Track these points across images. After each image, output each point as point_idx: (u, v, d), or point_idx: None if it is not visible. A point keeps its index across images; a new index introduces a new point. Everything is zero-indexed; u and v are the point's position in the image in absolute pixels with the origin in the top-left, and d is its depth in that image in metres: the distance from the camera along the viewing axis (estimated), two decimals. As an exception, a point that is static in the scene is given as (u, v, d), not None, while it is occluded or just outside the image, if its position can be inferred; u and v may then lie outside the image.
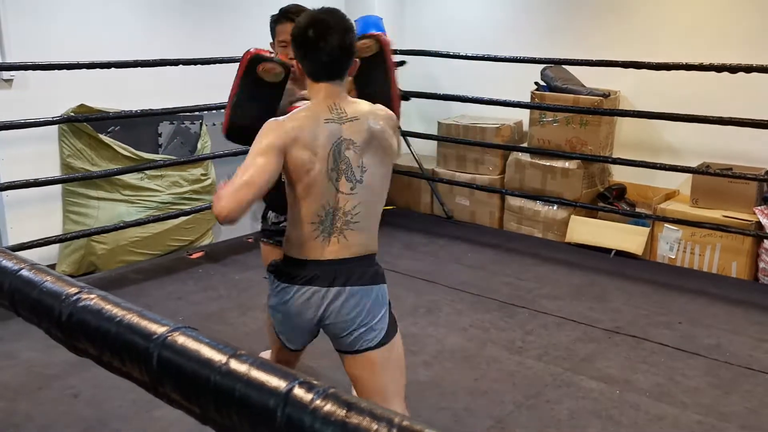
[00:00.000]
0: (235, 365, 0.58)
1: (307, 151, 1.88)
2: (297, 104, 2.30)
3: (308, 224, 1.94)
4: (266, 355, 3.39)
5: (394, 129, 2.02)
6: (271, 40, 2.59)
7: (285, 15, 2.47)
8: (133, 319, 0.63)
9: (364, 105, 2.01)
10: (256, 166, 1.83)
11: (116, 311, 0.64)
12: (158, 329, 0.62)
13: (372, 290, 2.00)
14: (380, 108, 2.03)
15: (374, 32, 2.42)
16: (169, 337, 0.61)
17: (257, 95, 2.32)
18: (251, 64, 2.29)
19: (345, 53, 1.94)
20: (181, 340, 0.61)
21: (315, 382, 0.56)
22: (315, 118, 1.92)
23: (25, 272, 0.78)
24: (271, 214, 2.69)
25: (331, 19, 1.94)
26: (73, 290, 0.67)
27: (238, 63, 2.32)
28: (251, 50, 2.31)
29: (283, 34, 2.41)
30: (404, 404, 2.12)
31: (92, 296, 0.66)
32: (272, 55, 2.39)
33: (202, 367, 0.58)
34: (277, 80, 2.30)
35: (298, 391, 0.55)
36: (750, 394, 3.03)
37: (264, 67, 2.28)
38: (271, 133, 1.88)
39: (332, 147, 1.90)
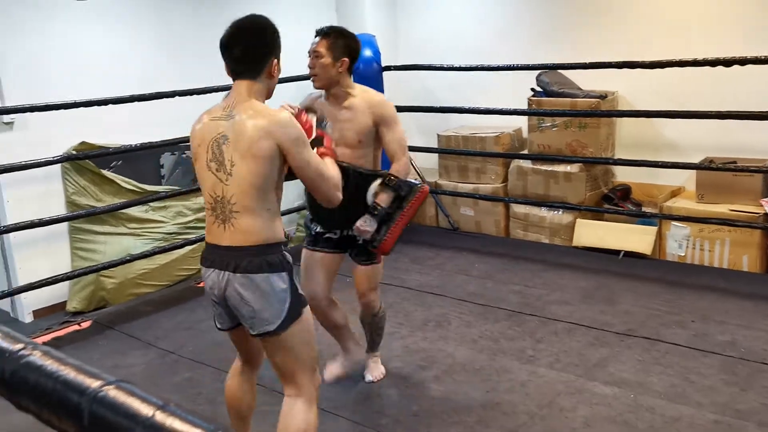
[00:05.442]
0: (160, 417, 0.58)
1: (194, 144, 2.15)
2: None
3: (207, 210, 2.15)
4: (332, 368, 3.25)
5: (282, 137, 2.04)
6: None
7: (317, 32, 2.86)
8: (70, 374, 0.63)
9: (256, 108, 2.09)
10: None
11: (55, 366, 0.64)
12: (92, 383, 0.62)
13: (257, 279, 2.07)
14: (275, 115, 2.08)
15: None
16: (100, 393, 0.61)
17: None
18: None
19: (250, 54, 2.13)
20: (113, 394, 0.61)
21: (233, 432, 0.56)
22: (210, 114, 2.16)
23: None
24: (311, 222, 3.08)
25: (247, 25, 2.16)
26: (18, 347, 0.68)
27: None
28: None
29: (311, 46, 2.84)
30: (309, 376, 2.21)
31: (36, 352, 0.67)
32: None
33: (129, 420, 0.58)
34: None
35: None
36: (767, 390, 2.99)
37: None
38: None
39: (212, 141, 2.09)
